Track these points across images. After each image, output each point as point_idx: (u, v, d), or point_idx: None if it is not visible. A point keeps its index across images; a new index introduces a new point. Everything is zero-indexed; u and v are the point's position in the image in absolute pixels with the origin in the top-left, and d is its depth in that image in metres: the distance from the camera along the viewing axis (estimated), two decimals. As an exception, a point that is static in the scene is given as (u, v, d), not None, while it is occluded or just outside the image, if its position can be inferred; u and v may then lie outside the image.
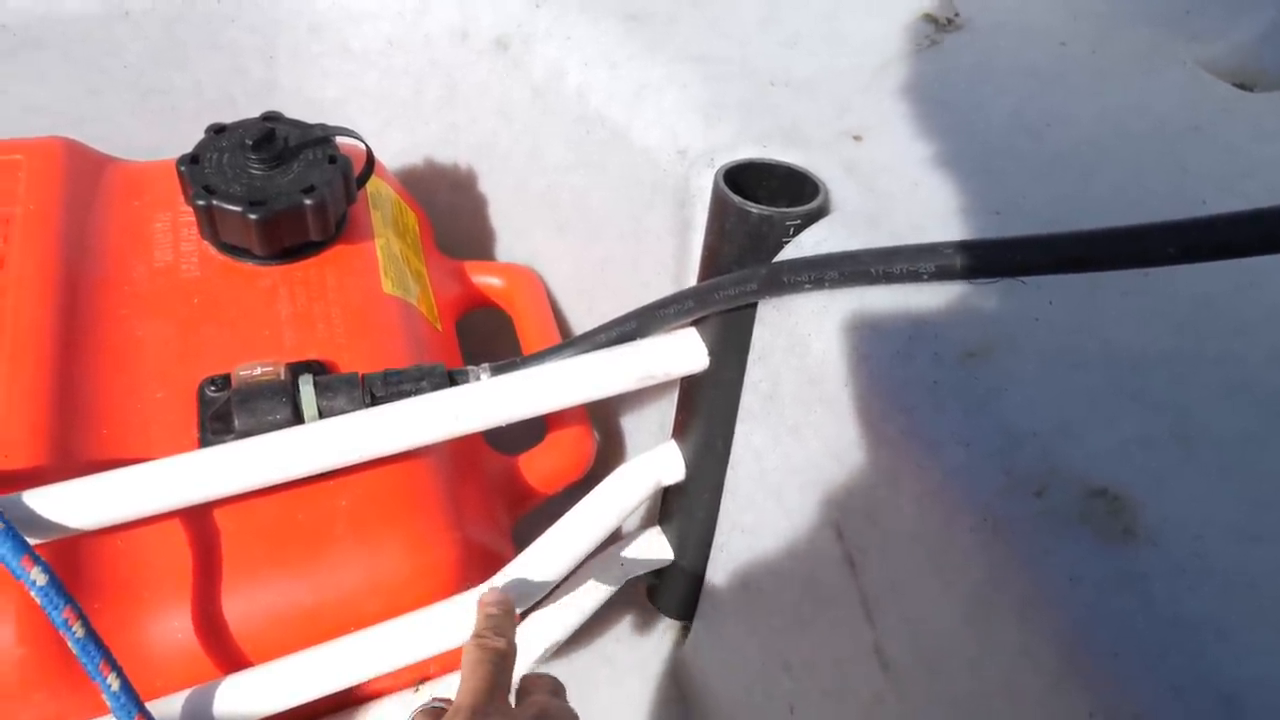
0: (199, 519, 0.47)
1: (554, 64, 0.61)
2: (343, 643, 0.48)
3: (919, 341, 0.35)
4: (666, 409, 0.58)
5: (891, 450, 0.35)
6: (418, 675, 0.54)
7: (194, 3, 0.69)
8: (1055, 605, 0.29)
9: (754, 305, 0.44)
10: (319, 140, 0.59)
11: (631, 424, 0.65)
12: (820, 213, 0.43)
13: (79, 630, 0.41)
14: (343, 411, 0.49)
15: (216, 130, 0.59)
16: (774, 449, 0.45)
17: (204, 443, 0.50)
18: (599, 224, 0.61)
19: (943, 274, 0.34)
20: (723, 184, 0.44)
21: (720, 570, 0.54)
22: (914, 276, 0.35)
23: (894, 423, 0.35)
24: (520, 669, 0.54)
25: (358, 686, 0.50)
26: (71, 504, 0.42)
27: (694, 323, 0.48)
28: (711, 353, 0.48)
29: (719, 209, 0.45)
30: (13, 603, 0.43)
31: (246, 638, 0.47)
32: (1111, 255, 0.30)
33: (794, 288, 0.40)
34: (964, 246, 0.34)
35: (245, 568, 0.47)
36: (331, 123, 0.61)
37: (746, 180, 0.45)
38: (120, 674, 0.41)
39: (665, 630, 0.63)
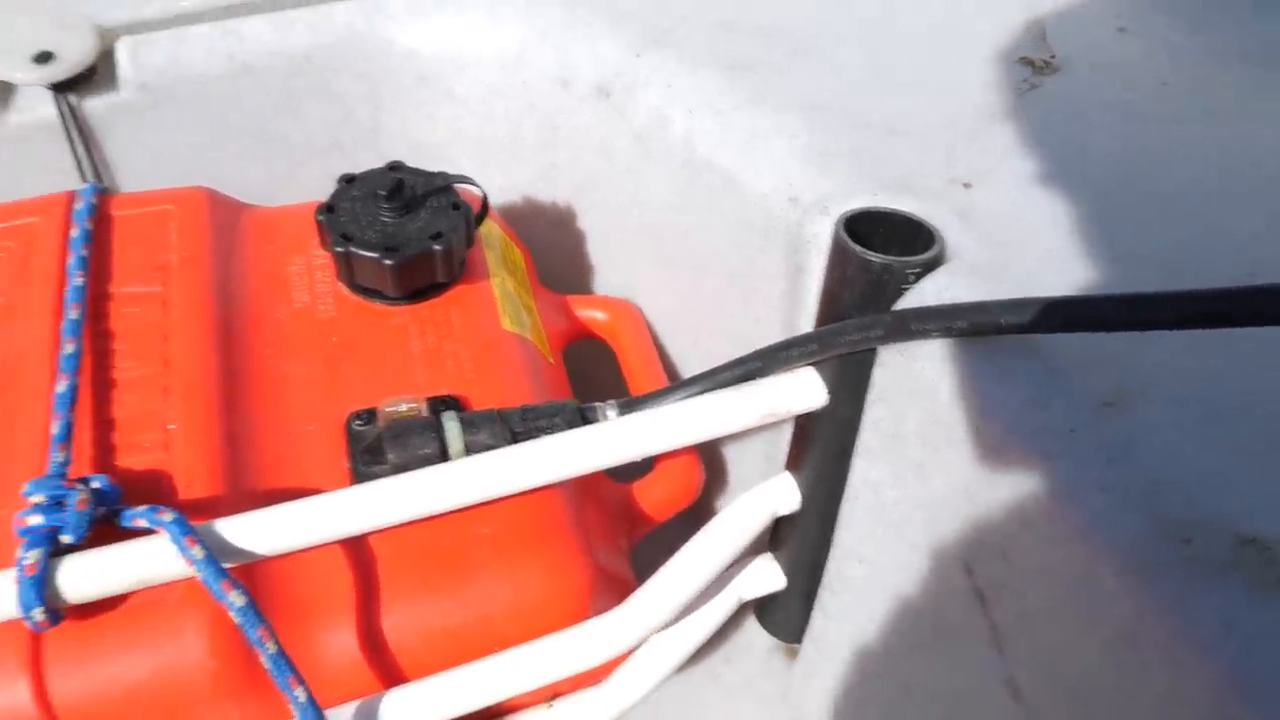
0: (357, 546, 0.53)
1: (657, 111, 0.66)
2: (488, 662, 0.53)
3: (1052, 389, 0.40)
4: (771, 440, 0.63)
5: (1028, 493, 0.40)
6: (550, 692, 0.59)
7: (310, 57, 0.75)
8: (1207, 651, 0.32)
9: (874, 350, 0.49)
10: (442, 188, 0.65)
11: (734, 454, 0.70)
12: (938, 261, 0.48)
13: (271, 647, 0.46)
14: (486, 446, 0.54)
15: (347, 180, 0.65)
16: (895, 485, 0.50)
17: (356, 474, 0.56)
18: (704, 262, 0.66)
19: (1071, 326, 0.39)
20: (844, 233, 0.49)
21: (833, 596, 0.59)
22: (1044, 328, 0.40)
23: (1031, 467, 0.39)
24: (637, 694, 0.60)
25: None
26: (258, 532, 0.47)
27: (812, 363, 0.53)
28: (830, 391, 0.53)
29: (839, 257, 0.49)
30: (205, 620, 0.48)
31: (402, 654, 0.52)
32: (1252, 313, 0.33)
33: (921, 335, 0.45)
34: (1091, 302, 0.38)
35: (400, 590, 0.53)
36: (434, 163, 0.66)
37: (860, 227, 0.50)
38: (305, 686, 0.47)
39: (773, 651, 0.68)
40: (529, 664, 0.53)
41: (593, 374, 0.75)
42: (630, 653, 0.59)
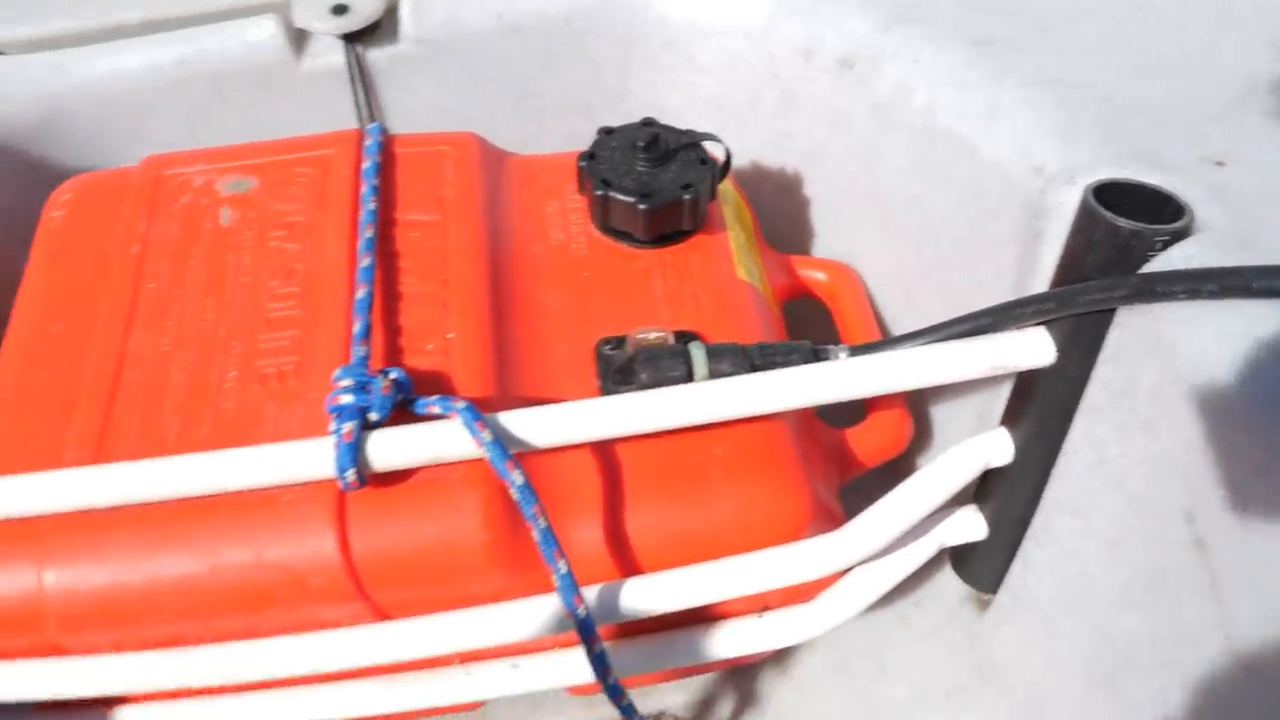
0: (608, 453, 0.59)
1: (900, 83, 0.70)
2: (714, 565, 0.59)
3: None
4: (986, 401, 0.67)
5: (1265, 445, 0.42)
6: (761, 604, 0.65)
7: (570, 20, 0.82)
8: None
9: (1112, 311, 0.53)
10: (691, 144, 0.70)
11: (944, 414, 0.74)
12: (1186, 232, 0.51)
13: (542, 522, 0.53)
14: (727, 374, 0.60)
15: (606, 132, 0.71)
16: (1119, 440, 0.53)
17: (605, 391, 0.62)
18: (931, 228, 0.70)
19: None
20: (1092, 200, 0.52)
21: (1038, 548, 0.62)
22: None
23: (1272, 422, 0.42)
24: (839, 618, 0.64)
25: (717, 605, 0.62)
26: (535, 425, 0.54)
27: (1043, 322, 0.57)
28: (1059, 350, 0.56)
29: (1085, 223, 0.53)
30: (481, 498, 0.56)
31: (639, 551, 0.59)
32: None
33: (1166, 297, 0.48)
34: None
35: (642, 495, 0.59)
36: (672, 124, 0.72)
37: (1107, 198, 0.53)
38: (567, 560, 0.54)
39: (963, 601, 0.71)
40: (749, 572, 0.58)
41: (808, 334, 0.79)
42: (837, 578, 0.64)
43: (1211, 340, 0.47)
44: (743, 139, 0.84)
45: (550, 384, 0.63)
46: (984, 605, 0.69)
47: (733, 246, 0.71)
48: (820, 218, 0.84)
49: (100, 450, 0.58)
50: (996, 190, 0.62)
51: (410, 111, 0.85)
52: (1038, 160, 0.60)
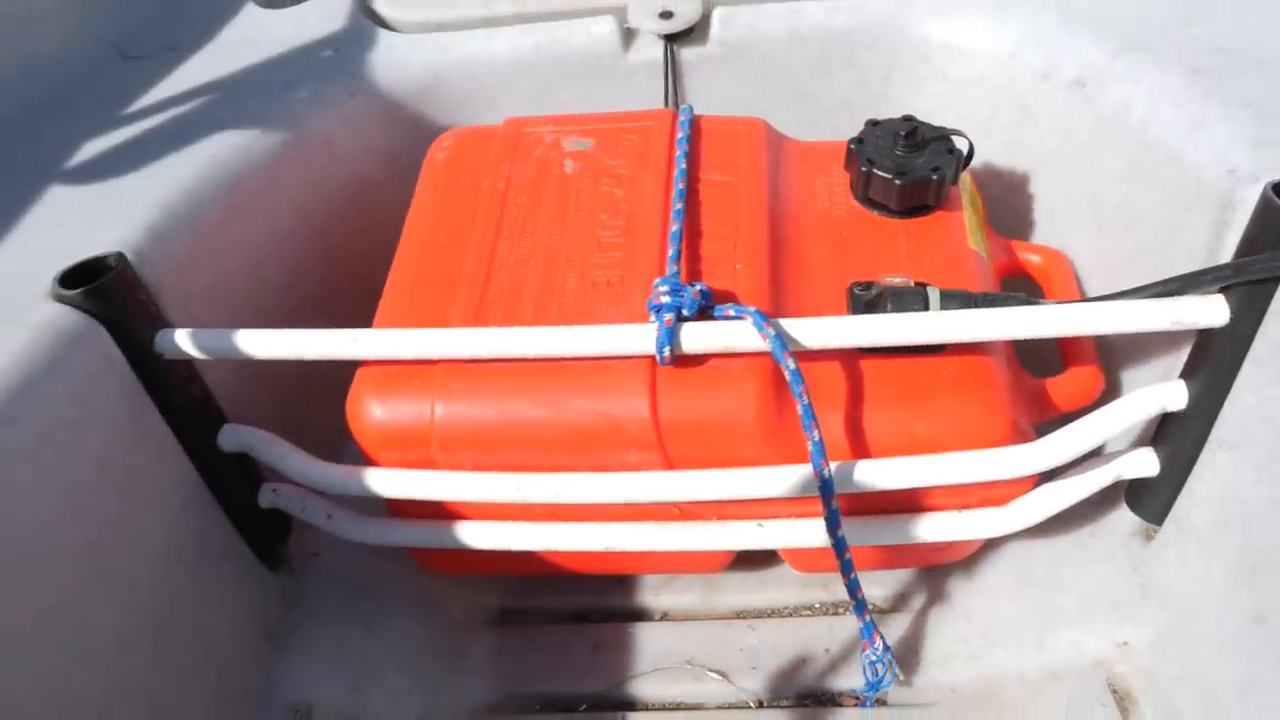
0: (857, 365, 0.77)
1: (1123, 100, 0.85)
2: (929, 457, 0.75)
3: None
4: (1166, 364, 0.81)
5: None
6: (961, 502, 0.81)
7: (847, 34, 1.01)
8: None
9: (1277, 280, 0.67)
10: (942, 137, 0.87)
11: (1131, 374, 0.88)
12: (1346, 221, 0.65)
13: (806, 399, 0.72)
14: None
15: (874, 124, 0.89)
16: (1275, 382, 0.67)
17: (855, 320, 0.80)
18: (1137, 221, 0.84)
19: None
20: (1270, 191, 0.67)
21: (1201, 482, 0.76)
22: None
23: None
24: (1026, 522, 0.80)
25: (920, 497, 0.79)
26: (805, 330, 0.73)
27: (1221, 289, 0.71)
28: (1233, 312, 0.70)
29: (1263, 210, 0.67)
30: (756, 384, 0.74)
31: (874, 445, 0.76)
32: None
33: (1318, 265, 0.62)
34: None
35: (881, 400, 0.76)
36: None
37: (1282, 193, 0.67)
38: (820, 431, 0.72)
39: (1134, 534, 0.85)
40: (957, 465, 0.75)
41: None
42: (1029, 486, 0.80)
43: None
44: (980, 142, 1.00)
45: (812, 313, 0.81)
46: (1151, 536, 0.83)
47: (966, 223, 0.88)
48: (1041, 213, 0.99)
49: (477, 321, 0.80)
50: (1194, 189, 0.77)
51: (708, 101, 1.05)
52: (1232, 164, 0.74)
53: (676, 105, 1.04)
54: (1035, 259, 0.94)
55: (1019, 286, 0.94)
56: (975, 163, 1.00)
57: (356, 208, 1.03)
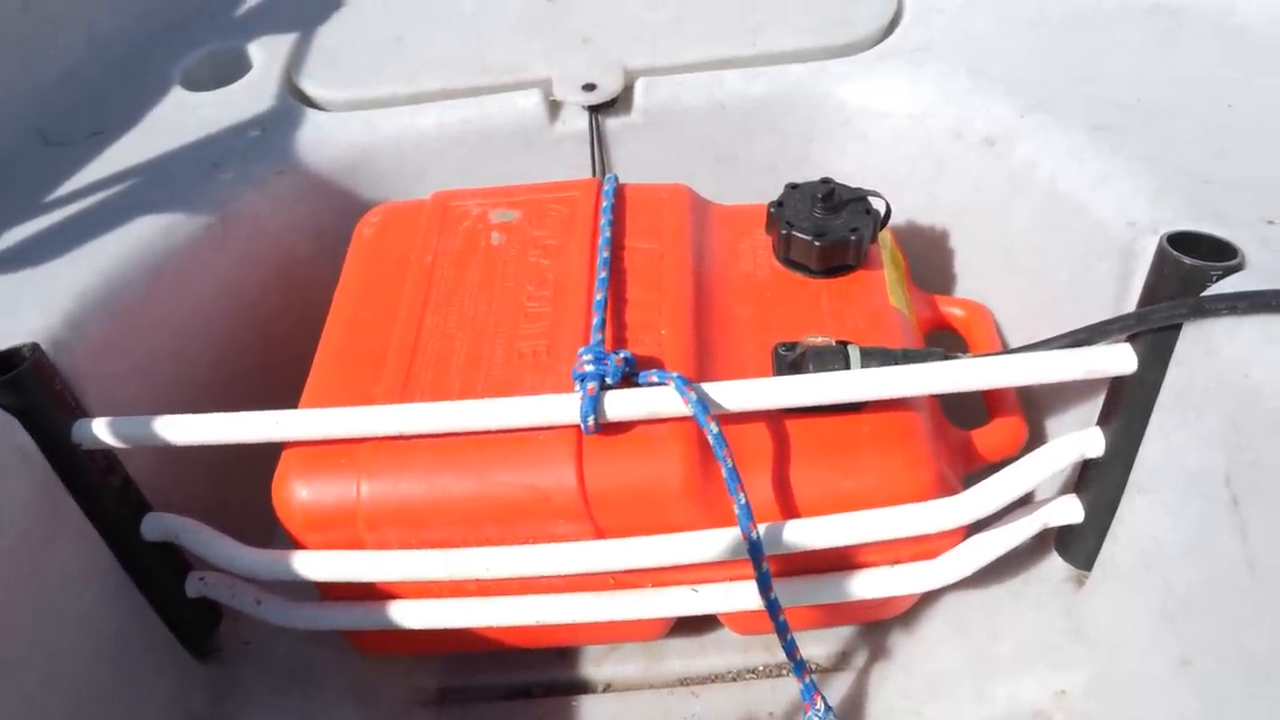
0: (779, 424, 0.78)
1: (1031, 158, 0.88)
2: (855, 515, 0.77)
3: None
4: (1085, 413, 0.83)
5: None
6: (892, 557, 0.82)
7: (767, 101, 1.04)
8: None
9: (1179, 326, 0.69)
10: (859, 198, 0.90)
11: (1054, 424, 0.90)
12: (1238, 268, 0.67)
13: (730, 462, 0.73)
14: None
15: (793, 187, 0.92)
16: (1181, 427, 0.69)
17: (779, 380, 0.82)
18: (1049, 271, 0.87)
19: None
20: (1166, 244, 0.69)
21: (1122, 526, 0.78)
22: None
23: None
24: (957, 574, 0.81)
25: (852, 554, 0.80)
26: (727, 394, 0.74)
27: (1128, 338, 0.74)
28: (1140, 359, 0.73)
29: (1160, 262, 0.70)
30: (681, 447, 0.76)
31: (799, 502, 0.77)
32: None
33: (1214, 313, 0.65)
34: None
35: (804, 458, 0.77)
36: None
37: (1179, 246, 0.70)
38: (745, 494, 0.73)
39: (1066, 581, 0.86)
40: (884, 522, 0.76)
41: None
42: (960, 538, 0.81)
43: (1248, 344, 0.63)
44: (900, 199, 1.03)
45: (737, 375, 0.83)
46: (1081, 582, 0.85)
47: (887, 280, 0.90)
48: (961, 265, 1.02)
49: (404, 397, 0.81)
50: (1100, 240, 0.80)
51: (634, 168, 1.07)
52: (1132, 216, 0.77)
53: (603, 174, 1.07)
54: (957, 312, 0.97)
55: (943, 339, 0.97)
56: (897, 219, 1.03)
57: (285, 284, 1.03)
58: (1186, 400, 0.69)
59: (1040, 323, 0.91)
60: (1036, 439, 0.89)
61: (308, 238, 1.05)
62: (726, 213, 0.98)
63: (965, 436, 0.86)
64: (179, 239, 0.92)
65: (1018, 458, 0.81)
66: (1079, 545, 0.84)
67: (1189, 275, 0.68)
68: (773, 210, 0.90)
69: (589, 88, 1.04)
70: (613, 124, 1.06)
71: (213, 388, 0.95)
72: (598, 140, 1.06)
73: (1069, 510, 0.82)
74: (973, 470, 0.85)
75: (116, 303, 0.85)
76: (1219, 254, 0.69)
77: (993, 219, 0.94)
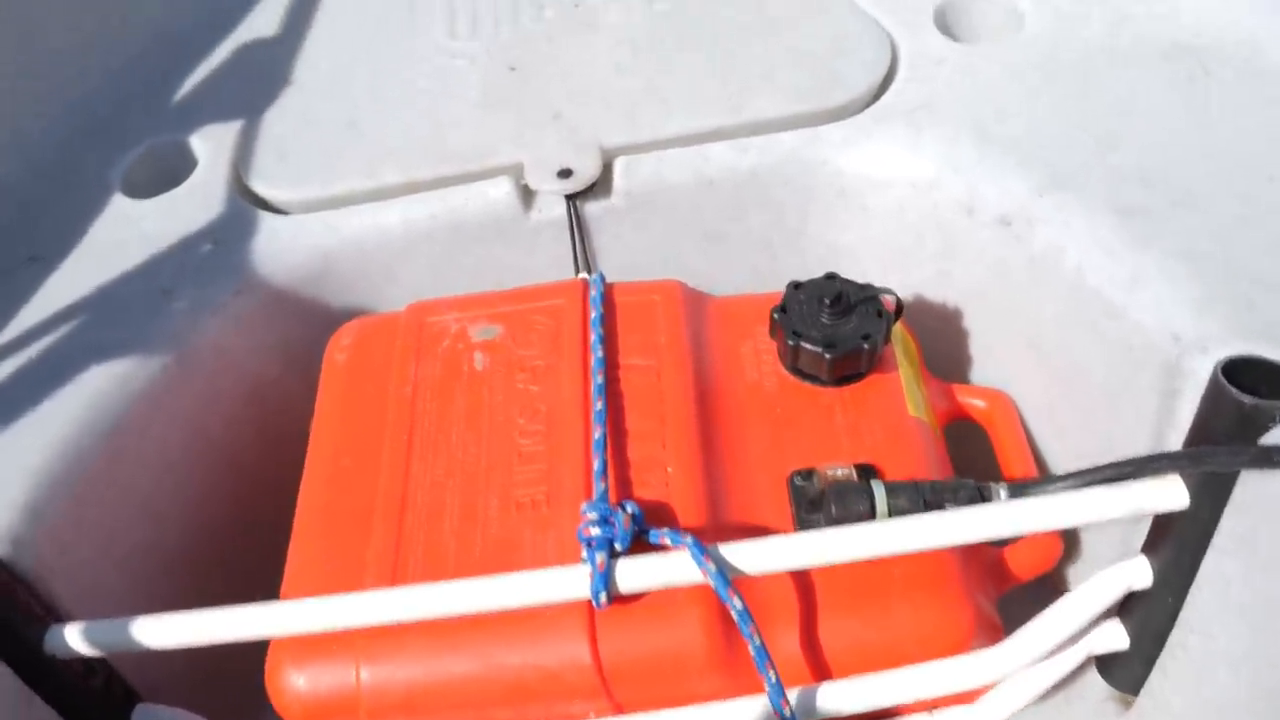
0: (804, 575, 0.73)
1: (1053, 243, 0.83)
2: (890, 673, 0.72)
3: None
4: (1129, 526, 0.78)
5: None
6: (932, 704, 0.78)
7: (757, 173, 0.97)
8: None
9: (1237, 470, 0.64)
10: (870, 297, 0.84)
11: (1092, 534, 0.86)
12: (1302, 408, 0.62)
13: (757, 640, 0.68)
14: (904, 510, 0.73)
15: (795, 286, 0.86)
16: (1244, 579, 0.65)
17: (799, 520, 0.76)
18: (1081, 372, 0.82)
19: None
20: (1221, 378, 0.64)
21: (1174, 661, 0.74)
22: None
23: None
24: (999, 718, 0.77)
25: (895, 708, 0.75)
26: (749, 556, 0.69)
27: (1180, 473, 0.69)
28: (1191, 498, 0.68)
29: (1215, 393, 0.65)
30: (703, 615, 0.71)
31: (830, 657, 0.73)
32: None
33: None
34: None
35: (832, 610, 0.73)
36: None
37: (1236, 375, 0.65)
38: (776, 671, 0.68)
39: (1107, 700, 0.82)
40: (923, 679, 0.72)
41: (967, 451, 0.92)
42: (997, 682, 0.77)
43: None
44: (907, 273, 0.98)
45: (752, 510, 0.78)
46: (1127, 705, 0.81)
47: (903, 383, 0.85)
48: (979, 348, 0.96)
49: (396, 566, 0.75)
50: (1140, 347, 0.74)
51: (616, 251, 1.01)
52: (1176, 328, 0.71)
53: (586, 263, 1.00)
54: (978, 403, 0.91)
55: (962, 429, 0.92)
56: (904, 292, 0.97)
57: (254, 411, 0.97)
58: (1250, 551, 0.64)
59: (1070, 416, 0.86)
60: (1070, 551, 0.85)
61: (274, 357, 0.98)
62: (724, 308, 0.92)
63: (997, 555, 0.81)
64: (136, 387, 0.85)
65: (1057, 574, 0.76)
66: (1124, 671, 0.80)
67: (1250, 415, 0.63)
68: (776, 316, 0.84)
69: (564, 174, 0.97)
70: (592, 208, 0.99)
71: (187, 545, 0.89)
72: (578, 227, 0.99)
73: (1113, 637, 0.77)
74: (1007, 590, 0.81)
75: (77, 479, 0.78)
76: (1276, 381, 0.64)
77: (1014, 304, 0.89)
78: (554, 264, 1.00)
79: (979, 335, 0.96)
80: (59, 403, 0.82)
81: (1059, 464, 0.89)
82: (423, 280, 1.00)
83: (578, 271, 1.00)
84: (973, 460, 0.87)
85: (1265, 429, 0.63)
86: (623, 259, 1.01)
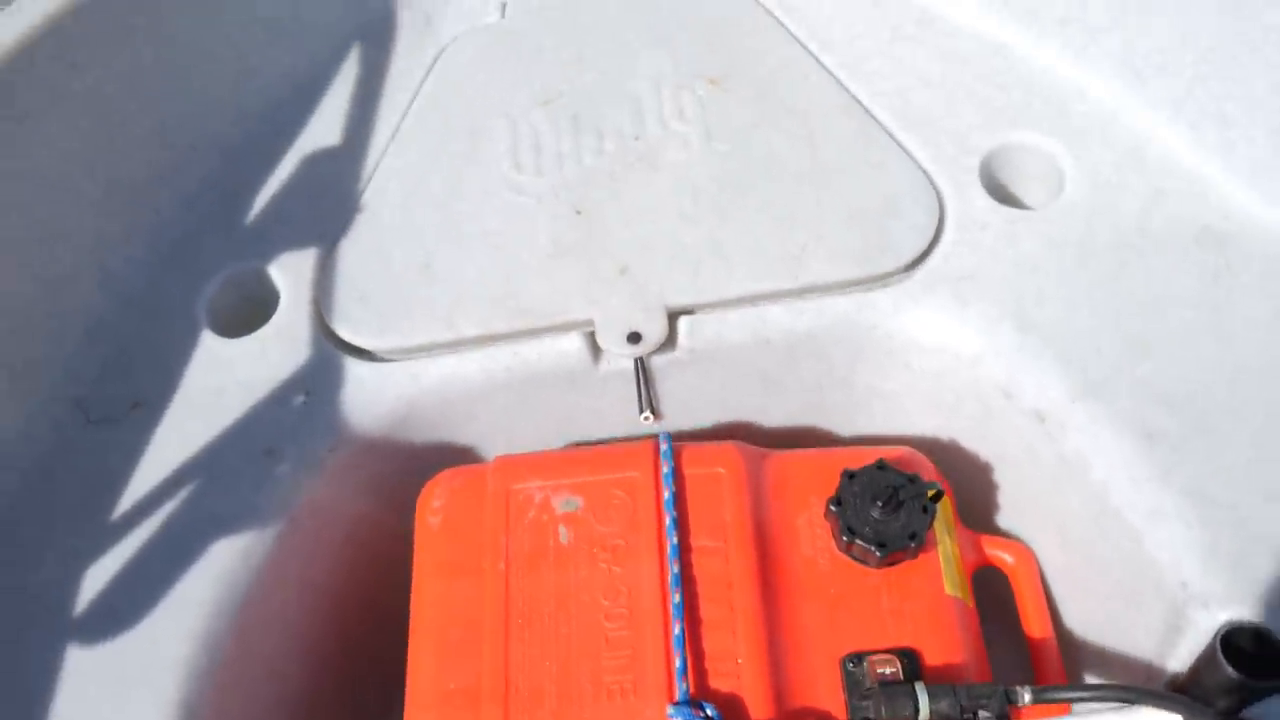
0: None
1: (1082, 453, 0.93)
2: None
3: None
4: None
5: None
6: None
7: (812, 333, 1.06)
8: None
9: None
10: (918, 493, 0.95)
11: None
12: (1286, 693, 0.75)
13: None
14: (944, 714, 0.87)
15: (850, 476, 0.97)
16: None
17: (851, 708, 0.90)
18: (1101, 574, 0.94)
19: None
20: (1219, 650, 0.77)
21: None
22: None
23: None
24: None
25: None
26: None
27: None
28: (1186, 727, 0.81)
29: (1210, 656, 0.77)
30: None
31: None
32: None
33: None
34: None
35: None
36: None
37: (1233, 645, 0.77)
38: None
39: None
40: None
41: (992, 591, 1.05)
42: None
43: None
44: (947, 425, 1.09)
45: (810, 693, 0.91)
46: None
47: (941, 562, 0.97)
48: (1008, 501, 1.08)
49: (507, 746, 0.89)
50: (1152, 578, 0.87)
51: (680, 395, 1.11)
52: (1185, 575, 0.84)
53: (651, 405, 1.10)
54: (1004, 556, 1.03)
55: (988, 575, 1.04)
56: (943, 438, 1.08)
57: (352, 550, 1.09)
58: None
59: (1086, 586, 0.99)
60: None
61: (366, 499, 1.09)
62: (781, 470, 1.02)
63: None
64: (255, 561, 0.96)
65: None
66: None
67: (1238, 685, 0.76)
68: (833, 509, 0.95)
69: (633, 338, 1.05)
70: (658, 360, 1.08)
71: (305, 690, 1.02)
72: (644, 379, 1.08)
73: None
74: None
75: (217, 666, 0.90)
76: (1273, 659, 0.77)
77: (1043, 486, 1.00)
78: (621, 403, 1.11)
79: (1009, 492, 1.07)
80: (190, 585, 0.93)
81: (1074, 621, 1.02)
82: (499, 420, 1.10)
83: (641, 410, 1.10)
84: (998, 603, 1.00)
85: (1248, 702, 0.76)
86: (684, 399, 1.11)
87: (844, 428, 1.16)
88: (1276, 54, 0.98)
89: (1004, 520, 1.10)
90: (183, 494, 1.00)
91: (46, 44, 1.05)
